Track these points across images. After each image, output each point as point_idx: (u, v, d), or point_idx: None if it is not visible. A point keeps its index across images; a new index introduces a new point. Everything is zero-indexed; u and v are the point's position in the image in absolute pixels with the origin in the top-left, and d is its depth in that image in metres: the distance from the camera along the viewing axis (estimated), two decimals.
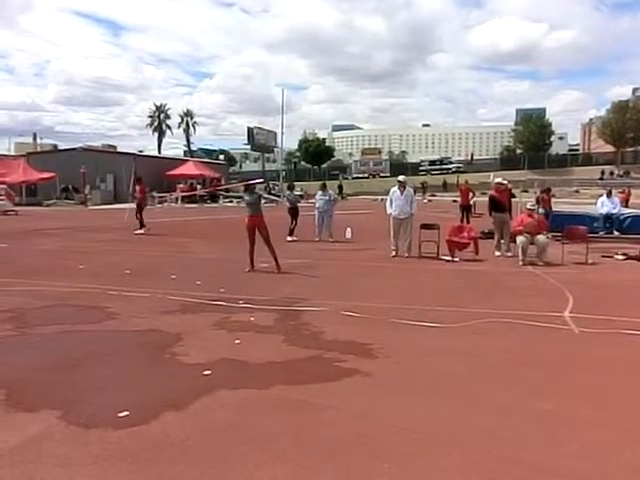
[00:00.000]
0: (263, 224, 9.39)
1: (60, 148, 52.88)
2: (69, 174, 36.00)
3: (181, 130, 77.67)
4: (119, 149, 56.02)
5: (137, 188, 16.96)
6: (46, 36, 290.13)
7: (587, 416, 3.45)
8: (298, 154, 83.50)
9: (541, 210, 13.61)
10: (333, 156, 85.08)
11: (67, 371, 4.24)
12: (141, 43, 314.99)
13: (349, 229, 14.23)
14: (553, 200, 16.49)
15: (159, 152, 70.46)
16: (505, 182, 12.21)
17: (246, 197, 9.67)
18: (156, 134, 75.51)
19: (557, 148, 79.69)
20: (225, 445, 3.02)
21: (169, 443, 3.04)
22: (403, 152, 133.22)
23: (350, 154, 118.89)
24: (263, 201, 10.44)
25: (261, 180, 16.22)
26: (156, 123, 75.26)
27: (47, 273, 8.83)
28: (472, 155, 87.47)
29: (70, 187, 36.95)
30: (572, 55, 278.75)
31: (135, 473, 2.73)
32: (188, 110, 79.04)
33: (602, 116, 72.12)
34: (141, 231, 15.64)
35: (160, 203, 35.72)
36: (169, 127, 76.72)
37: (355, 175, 70.00)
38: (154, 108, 76.11)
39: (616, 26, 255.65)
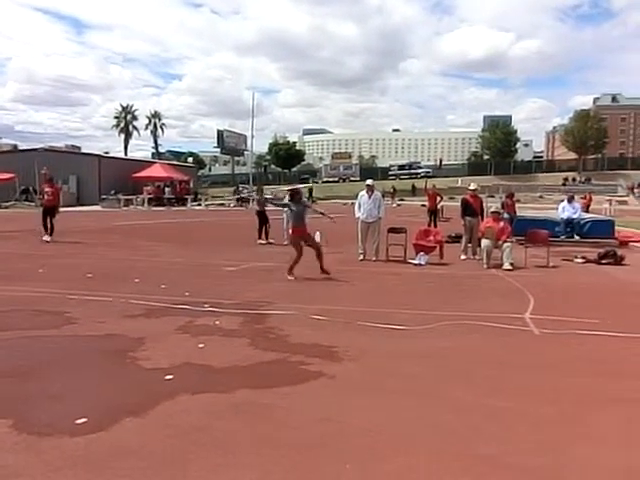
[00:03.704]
0: (308, 234, 9.07)
1: (20, 148, 51.41)
2: (30, 175, 34.91)
3: (148, 132, 76.65)
4: (83, 150, 54.83)
5: (48, 190, 14.45)
6: (5, 32, 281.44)
7: (545, 413, 3.52)
8: (268, 157, 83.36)
9: (505, 215, 13.91)
10: (303, 160, 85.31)
11: (20, 378, 4.10)
12: (107, 42, 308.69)
13: (318, 233, 14.18)
14: (518, 205, 16.87)
15: (125, 154, 69.19)
16: (478, 188, 12.52)
17: (292, 207, 9.13)
18: (122, 135, 74.20)
19: (522, 155, 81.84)
20: (184, 450, 2.96)
21: (127, 449, 2.97)
22: (373, 157, 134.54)
23: (320, 158, 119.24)
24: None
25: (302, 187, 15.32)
26: (122, 124, 73.92)
27: (2, 277, 8.54)
28: (441, 160, 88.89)
29: (30, 189, 35.88)
30: (537, 64, 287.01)
31: None
32: (156, 111, 78.15)
33: (565, 124, 74.52)
34: (48, 238, 13.77)
35: (126, 206, 35.07)
36: (136, 128, 75.61)
37: (325, 179, 70.21)
38: (120, 109, 74.86)
39: (579, 37, 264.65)
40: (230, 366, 4.38)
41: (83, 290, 7.36)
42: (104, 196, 36.78)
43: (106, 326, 5.59)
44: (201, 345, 4.94)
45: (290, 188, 9.74)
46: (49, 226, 13.96)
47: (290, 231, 8.97)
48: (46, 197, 14.40)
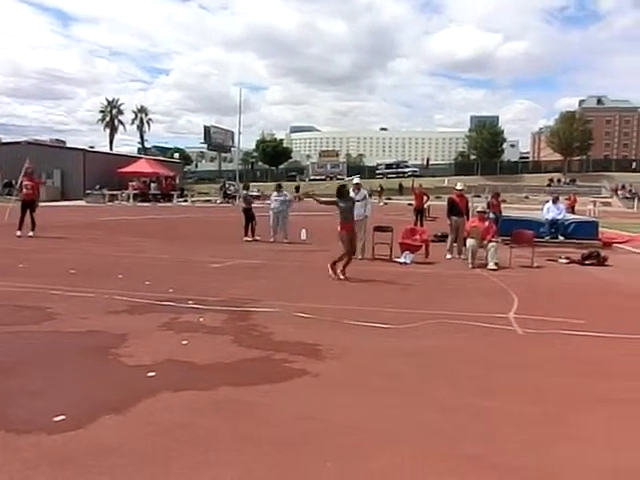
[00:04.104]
0: (354, 231, 8.86)
1: (4, 141, 50.55)
2: (13, 169, 34.30)
3: (134, 126, 75.82)
4: (68, 144, 54.04)
5: (27, 183, 14.23)
6: None
7: (529, 413, 3.54)
8: (255, 154, 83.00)
9: (491, 215, 14.02)
10: (291, 157, 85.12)
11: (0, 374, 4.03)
12: (93, 35, 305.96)
13: (304, 230, 14.22)
14: (504, 205, 17.02)
15: (111, 148, 68.35)
16: (465, 188, 12.61)
17: (341, 203, 8.80)
18: (108, 130, 73.29)
19: (509, 155, 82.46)
20: (165, 448, 2.93)
21: (106, 447, 2.92)
22: (361, 155, 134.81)
23: (308, 156, 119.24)
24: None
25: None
26: (108, 118, 72.93)
27: None
28: (428, 160, 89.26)
29: (13, 182, 35.33)
30: (525, 65, 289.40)
31: (67, 479, 2.60)
32: (142, 106, 77.24)
33: (551, 126, 75.22)
34: (20, 233, 13.48)
35: (111, 201, 34.73)
36: (122, 123, 74.61)
37: (312, 177, 70.11)
38: (106, 103, 73.94)
39: (566, 39, 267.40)
40: (213, 363, 4.35)
41: (65, 286, 7.26)
42: (89, 191, 36.41)
43: (88, 322, 5.51)
44: (184, 342, 4.89)
45: (339, 185, 9.34)
46: (30, 221, 13.71)
47: (339, 227, 8.65)
48: (25, 191, 14.09)
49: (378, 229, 11.24)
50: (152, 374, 4.04)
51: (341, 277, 8.41)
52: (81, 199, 35.34)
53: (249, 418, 3.34)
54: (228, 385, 3.86)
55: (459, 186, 12.50)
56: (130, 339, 4.95)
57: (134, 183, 39.79)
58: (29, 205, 13.86)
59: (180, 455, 2.85)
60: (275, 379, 4.00)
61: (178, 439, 3.03)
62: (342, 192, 9.03)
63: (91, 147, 50.55)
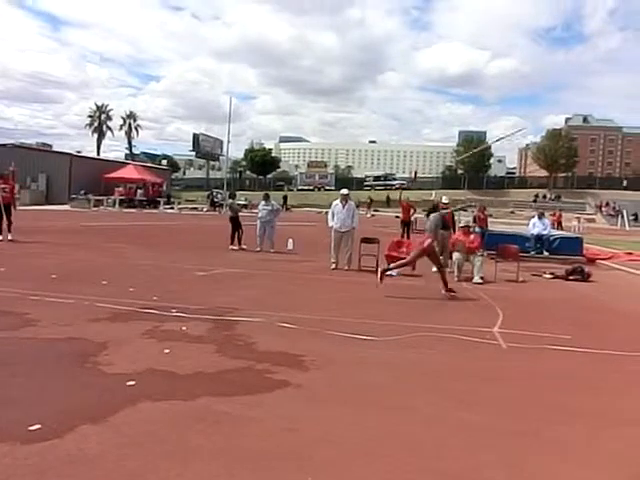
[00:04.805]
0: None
1: None
2: None
3: (123, 132, 75.37)
4: (55, 148, 53.61)
5: (4, 186, 13.77)
6: None
7: (508, 427, 3.54)
8: (244, 163, 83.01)
9: (477, 229, 14.12)
10: (279, 167, 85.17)
11: None
12: (84, 40, 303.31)
13: (290, 240, 14.20)
14: (490, 220, 17.15)
15: (98, 154, 67.89)
16: (448, 201, 12.70)
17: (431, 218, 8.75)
18: (96, 135, 72.83)
19: (495, 170, 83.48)
20: (143, 460, 2.87)
21: (82, 458, 2.85)
22: (349, 167, 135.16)
23: (296, 166, 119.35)
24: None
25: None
26: (96, 123, 72.53)
27: None
28: (415, 173, 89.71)
29: None
30: (512, 83, 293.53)
31: None
32: (131, 112, 76.77)
33: (537, 142, 76.29)
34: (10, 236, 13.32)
35: (96, 206, 34.40)
36: (110, 128, 74.19)
37: (300, 187, 70.27)
38: (95, 108, 73.54)
39: (552, 59, 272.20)
40: (195, 373, 4.29)
41: (46, 291, 7.13)
42: (74, 196, 36.03)
43: (68, 329, 5.41)
44: (166, 351, 4.82)
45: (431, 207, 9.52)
46: (6, 224, 13.41)
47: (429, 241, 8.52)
48: (2, 194, 13.72)
49: (365, 240, 11.26)
50: (132, 383, 3.96)
51: (448, 293, 8.27)
52: (66, 204, 34.93)
53: (229, 429, 3.29)
54: (209, 395, 3.80)
55: (444, 199, 12.58)
56: (110, 347, 4.87)
57: (120, 189, 39.50)
58: (6, 208, 13.57)
59: (157, 467, 2.79)
60: (257, 390, 3.95)
61: (156, 450, 2.97)
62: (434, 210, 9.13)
63: (78, 152, 50.10)
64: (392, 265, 8.28)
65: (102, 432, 3.17)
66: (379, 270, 8.26)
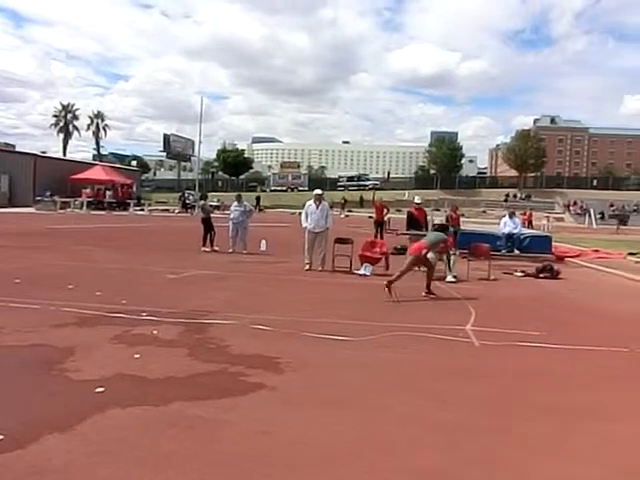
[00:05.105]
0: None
1: None
2: None
3: (90, 132, 73.77)
4: (18, 149, 52.06)
5: None
6: None
7: (484, 424, 3.56)
8: (216, 164, 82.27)
9: (450, 228, 14.26)
10: (252, 168, 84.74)
11: None
12: (48, 37, 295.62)
13: (264, 241, 14.09)
14: (462, 219, 17.35)
15: (64, 154, 66.28)
16: (421, 201, 12.82)
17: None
18: (61, 135, 71.10)
19: (467, 170, 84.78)
20: (114, 467, 2.78)
21: (49, 469, 2.75)
22: (322, 167, 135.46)
23: (269, 167, 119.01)
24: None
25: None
26: (62, 123, 70.78)
27: None
28: (389, 173, 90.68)
29: None
30: (483, 84, 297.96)
31: None
32: (99, 112, 75.21)
33: (507, 143, 77.76)
34: None
35: (63, 209, 33.57)
36: (77, 128, 72.43)
37: (273, 188, 70.03)
38: (60, 107, 71.79)
39: (521, 61, 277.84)
40: (166, 377, 4.19)
41: (9, 296, 6.86)
42: (39, 198, 35.07)
43: (33, 335, 5.23)
44: (137, 356, 4.70)
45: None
46: None
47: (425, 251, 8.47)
48: None
49: (338, 241, 11.24)
50: (100, 390, 3.85)
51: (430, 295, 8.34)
52: (30, 206, 33.95)
53: (201, 434, 3.22)
54: (181, 400, 3.71)
55: (417, 199, 12.68)
56: (77, 353, 4.72)
57: (87, 190, 38.64)
58: None
59: (129, 475, 2.72)
60: (230, 393, 3.88)
61: (127, 457, 2.89)
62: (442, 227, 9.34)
63: (43, 152, 48.83)
64: (394, 277, 8.23)
65: (69, 441, 3.07)
66: (385, 285, 8.06)
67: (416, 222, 11.78)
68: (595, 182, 66.23)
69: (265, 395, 3.90)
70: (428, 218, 13.21)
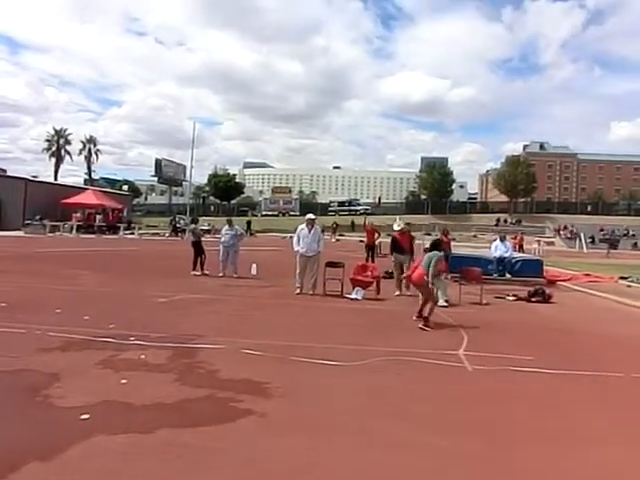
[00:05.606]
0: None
1: None
2: None
3: (82, 157, 73.87)
4: (10, 173, 51.85)
5: None
6: None
7: (474, 450, 3.50)
8: (207, 189, 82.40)
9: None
10: (243, 192, 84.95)
11: None
12: (43, 63, 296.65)
13: (254, 265, 14.01)
14: (453, 244, 17.38)
15: (55, 179, 66.13)
16: (405, 226, 12.82)
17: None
18: (53, 160, 71.07)
19: (458, 195, 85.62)
20: None
21: None
22: (313, 192, 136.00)
23: (261, 192, 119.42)
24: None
25: None
26: (54, 148, 70.89)
27: None
28: (380, 198, 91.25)
29: None
30: (472, 111, 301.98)
31: None
32: (91, 136, 75.57)
33: (497, 168, 78.73)
34: None
35: (52, 232, 33.33)
36: (69, 153, 72.60)
37: (264, 212, 70.17)
38: (53, 132, 71.93)
39: (510, 88, 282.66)
40: (153, 403, 4.09)
41: None
42: (28, 221, 34.85)
43: (17, 361, 5.10)
44: (123, 381, 4.60)
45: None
46: None
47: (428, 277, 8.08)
48: None
49: (330, 265, 11.20)
50: (86, 416, 3.74)
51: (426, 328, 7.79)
52: (19, 229, 33.70)
53: (188, 462, 3.13)
54: (168, 427, 3.62)
55: (395, 226, 12.74)
56: (63, 379, 4.61)
57: (78, 214, 38.50)
58: None
59: None
60: (219, 420, 3.79)
61: None
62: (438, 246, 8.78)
63: (34, 176, 48.64)
64: (428, 314, 7.97)
65: (51, 470, 2.97)
66: (418, 318, 7.88)
67: (399, 246, 11.76)
68: (589, 207, 67.05)
69: (255, 422, 3.81)
70: (419, 242, 13.18)
